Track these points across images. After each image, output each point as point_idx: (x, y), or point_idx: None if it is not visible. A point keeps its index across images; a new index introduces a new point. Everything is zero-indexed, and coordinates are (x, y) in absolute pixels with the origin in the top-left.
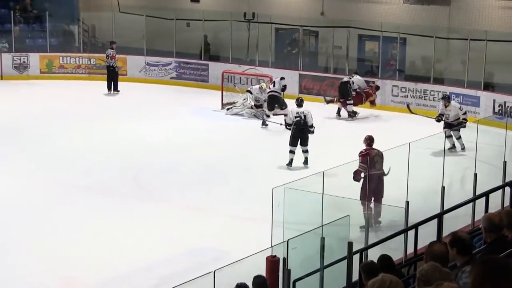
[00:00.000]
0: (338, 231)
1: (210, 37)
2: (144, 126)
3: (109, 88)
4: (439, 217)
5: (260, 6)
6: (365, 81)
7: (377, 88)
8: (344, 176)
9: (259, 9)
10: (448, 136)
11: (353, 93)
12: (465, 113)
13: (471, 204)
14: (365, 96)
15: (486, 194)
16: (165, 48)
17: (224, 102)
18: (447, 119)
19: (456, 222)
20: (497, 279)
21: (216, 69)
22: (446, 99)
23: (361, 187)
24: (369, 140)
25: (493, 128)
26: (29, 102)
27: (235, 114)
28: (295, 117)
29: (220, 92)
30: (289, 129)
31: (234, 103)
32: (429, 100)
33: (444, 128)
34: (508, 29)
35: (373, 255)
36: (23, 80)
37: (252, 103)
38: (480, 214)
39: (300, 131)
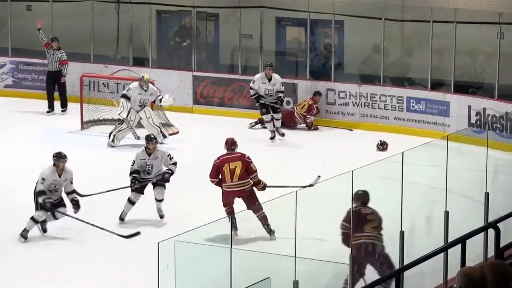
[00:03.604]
0: None
1: (62, 25)
2: None
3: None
4: (398, 275)
5: None
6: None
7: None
8: (256, 221)
9: None
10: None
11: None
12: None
13: (441, 254)
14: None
15: (462, 240)
16: None
17: (85, 119)
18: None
19: (421, 281)
20: None
21: (72, 72)
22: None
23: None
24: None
25: (469, 146)
26: None
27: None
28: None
29: (78, 105)
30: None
31: (99, 120)
32: (378, 108)
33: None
34: (484, 7)
35: None
36: None
37: (122, 114)
38: (454, 268)
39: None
